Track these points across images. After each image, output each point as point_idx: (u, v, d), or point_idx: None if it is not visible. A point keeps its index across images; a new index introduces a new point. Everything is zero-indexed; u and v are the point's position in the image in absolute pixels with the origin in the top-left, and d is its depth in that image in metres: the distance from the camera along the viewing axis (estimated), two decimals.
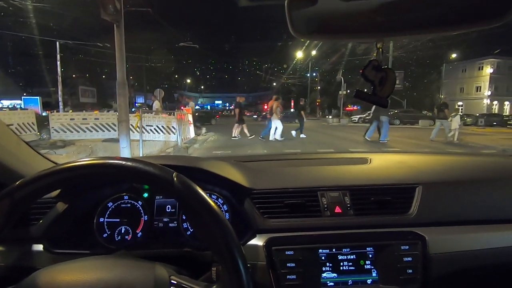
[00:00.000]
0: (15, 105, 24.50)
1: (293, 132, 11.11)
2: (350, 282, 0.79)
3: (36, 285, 0.51)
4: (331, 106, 36.42)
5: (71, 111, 15.52)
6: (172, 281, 0.53)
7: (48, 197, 0.81)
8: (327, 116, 32.91)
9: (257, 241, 0.82)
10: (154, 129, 9.59)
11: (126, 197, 0.89)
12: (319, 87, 41.73)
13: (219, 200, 0.91)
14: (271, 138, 10.02)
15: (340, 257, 0.81)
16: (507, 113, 32.86)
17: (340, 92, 27.73)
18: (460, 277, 0.83)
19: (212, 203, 0.53)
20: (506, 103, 37.75)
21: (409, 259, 0.79)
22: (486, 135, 13.77)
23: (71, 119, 9.99)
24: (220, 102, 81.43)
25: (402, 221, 0.86)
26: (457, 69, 41.46)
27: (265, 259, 0.78)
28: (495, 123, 23.71)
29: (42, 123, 9.93)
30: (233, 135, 10.65)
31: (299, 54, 33.20)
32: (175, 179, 0.52)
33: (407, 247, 0.81)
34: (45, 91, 28.89)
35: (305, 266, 0.78)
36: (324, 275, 0.79)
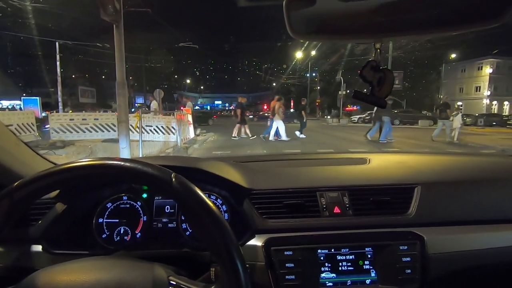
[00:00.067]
0: (14, 106, 24.51)
1: (297, 133, 11.12)
2: (349, 282, 0.79)
3: (35, 285, 0.51)
4: (330, 106, 36.47)
5: (70, 111, 15.52)
6: (170, 281, 0.54)
7: (47, 198, 0.81)
8: (325, 116, 32.96)
9: (256, 241, 0.82)
10: (154, 129, 9.59)
11: (125, 198, 0.90)
12: (318, 87, 41.78)
13: (218, 200, 0.91)
14: (271, 138, 10.03)
15: (339, 257, 0.81)
16: (507, 113, 32.88)
17: (339, 92, 27.74)
18: (459, 277, 0.83)
19: (211, 204, 0.53)
20: (506, 103, 37.80)
21: (408, 259, 0.79)
22: (485, 135, 13.78)
23: (70, 119, 9.98)
24: (220, 102, 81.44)
25: (401, 221, 0.87)
26: (457, 69, 41.55)
27: (264, 259, 0.79)
28: (494, 123, 23.74)
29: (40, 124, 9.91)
30: (233, 135, 10.66)
31: (299, 55, 33.26)
32: (173, 179, 0.52)
33: (405, 247, 0.81)
34: (44, 92, 28.91)
35: (304, 266, 0.78)
36: (323, 275, 0.79)
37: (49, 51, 23.79)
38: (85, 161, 0.52)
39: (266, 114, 28.21)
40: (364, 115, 27.37)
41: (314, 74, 42.31)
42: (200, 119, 17.18)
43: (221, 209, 0.90)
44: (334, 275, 0.79)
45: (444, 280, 0.81)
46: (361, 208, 0.88)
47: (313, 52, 33.31)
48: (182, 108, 11.22)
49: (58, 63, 20.84)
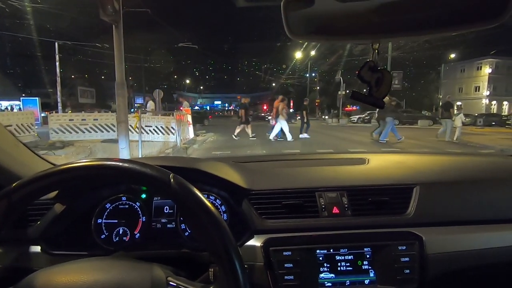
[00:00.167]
0: (13, 106, 24.49)
1: (303, 135, 11.13)
2: (347, 282, 0.79)
3: (34, 286, 0.51)
4: (330, 106, 36.51)
5: (70, 111, 15.50)
6: (169, 282, 0.54)
7: (45, 198, 0.81)
8: (323, 117, 32.97)
9: (255, 241, 0.82)
10: (153, 129, 9.59)
11: (124, 198, 0.89)
12: (318, 88, 41.80)
13: (217, 201, 0.91)
14: (270, 137, 10.03)
15: (337, 258, 0.81)
16: (506, 113, 32.90)
17: (339, 92, 27.75)
18: (457, 277, 0.83)
19: (209, 204, 0.53)
20: (505, 103, 37.86)
21: (407, 259, 0.80)
22: (484, 135, 13.80)
23: (70, 119, 9.98)
24: (219, 102, 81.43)
25: (399, 222, 0.87)
26: (456, 69, 41.62)
27: (263, 259, 0.79)
28: (493, 123, 23.76)
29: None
30: (235, 133, 10.69)
31: (298, 55, 33.31)
32: (172, 180, 0.52)
33: (404, 247, 0.81)
34: (44, 92, 28.85)
35: (302, 266, 0.78)
36: (321, 275, 0.79)
37: (49, 51, 23.80)
38: (83, 162, 0.52)
39: (263, 114, 28.24)
40: (363, 115, 27.40)
41: (313, 74, 42.35)
42: (196, 119, 17.11)
43: (220, 209, 0.90)
44: (333, 275, 0.80)
45: (443, 280, 0.81)
46: (360, 208, 0.88)
47: (313, 53, 33.39)
48: (181, 108, 11.22)
49: (57, 63, 20.80)
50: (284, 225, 0.85)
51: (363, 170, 1.08)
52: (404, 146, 9.24)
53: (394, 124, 9.71)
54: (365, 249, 0.82)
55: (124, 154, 5.55)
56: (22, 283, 0.52)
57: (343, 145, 10.05)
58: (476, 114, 27.39)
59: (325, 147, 9.08)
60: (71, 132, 9.72)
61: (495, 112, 34.63)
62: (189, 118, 10.47)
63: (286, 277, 0.77)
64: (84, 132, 9.90)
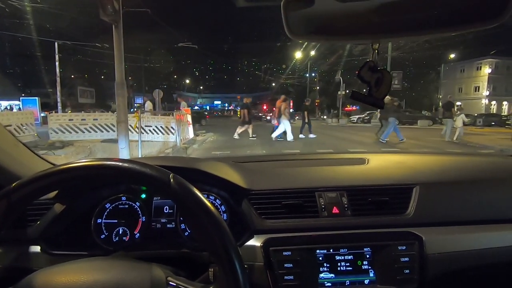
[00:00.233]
0: (13, 106, 24.48)
1: (311, 135, 11.13)
2: (347, 282, 0.79)
3: (33, 286, 0.51)
4: (330, 106, 36.55)
5: (69, 111, 15.49)
6: (169, 282, 0.54)
7: (45, 198, 0.81)
8: (322, 117, 32.95)
9: (255, 241, 0.82)
10: (153, 129, 9.59)
11: (123, 198, 0.89)
12: (318, 88, 41.82)
13: (217, 201, 0.91)
14: (273, 136, 10.03)
15: (337, 258, 0.81)
16: (505, 113, 32.93)
17: (339, 93, 27.77)
18: (457, 277, 0.83)
19: (209, 204, 0.53)
20: (505, 103, 37.88)
21: (406, 259, 0.80)
22: (484, 135, 13.81)
23: (69, 119, 9.97)
24: (219, 102, 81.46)
25: (399, 222, 0.87)
26: (456, 70, 41.66)
27: (263, 259, 0.79)
28: (493, 123, 23.75)
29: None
30: (238, 132, 10.67)
31: (298, 55, 33.31)
32: (171, 180, 0.52)
33: (404, 247, 0.81)
34: (43, 92, 28.85)
35: (302, 266, 0.78)
36: (321, 275, 0.79)
37: (48, 51, 23.81)
38: (83, 162, 0.52)
39: (260, 114, 28.21)
40: (363, 115, 27.40)
41: (313, 74, 42.40)
42: (193, 119, 17.03)
43: (220, 209, 0.90)
44: (332, 275, 0.80)
45: (443, 280, 0.81)
46: (359, 208, 0.88)
47: (312, 53, 33.42)
48: (180, 108, 11.21)
49: (57, 63, 20.80)
50: (284, 225, 0.85)
51: (363, 170, 1.08)
52: (405, 146, 9.24)
53: (396, 125, 9.72)
54: (365, 249, 0.82)
55: (124, 154, 5.55)
56: (22, 283, 0.52)
57: (342, 145, 10.05)
58: (476, 114, 27.40)
59: (325, 147, 9.08)
60: (70, 132, 9.72)
61: (494, 112, 34.65)
62: (189, 118, 10.47)
63: (286, 277, 0.77)
64: (83, 132, 9.90)
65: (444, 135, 10.67)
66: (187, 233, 0.88)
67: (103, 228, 0.86)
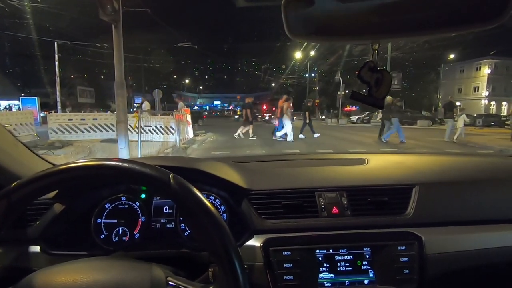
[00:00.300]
0: (12, 106, 24.46)
1: (316, 135, 11.11)
2: (347, 282, 0.79)
3: (33, 286, 0.50)
4: (329, 106, 36.56)
5: (69, 111, 15.47)
6: (169, 282, 0.54)
7: (45, 198, 0.80)
8: (321, 117, 32.93)
9: (255, 241, 0.82)
10: (153, 129, 9.59)
11: (123, 198, 0.89)
12: (317, 88, 41.84)
13: (217, 201, 0.91)
14: (277, 135, 10.01)
15: (337, 258, 0.81)
16: (505, 113, 32.95)
17: (338, 93, 27.79)
18: (457, 277, 0.83)
19: (209, 204, 0.53)
20: (504, 103, 37.93)
21: (406, 259, 0.80)
22: (484, 135, 13.82)
23: (69, 119, 9.97)
24: (219, 102, 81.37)
25: (399, 222, 0.87)
26: (455, 70, 41.71)
27: (263, 259, 0.79)
28: (492, 123, 23.77)
29: None
30: (241, 131, 10.65)
31: (298, 55, 33.31)
32: (171, 180, 0.52)
33: (403, 247, 0.81)
34: (43, 92, 28.86)
35: (302, 266, 0.78)
36: (321, 275, 0.79)
37: (48, 51, 23.81)
38: (83, 162, 0.52)
39: (257, 114, 28.14)
40: (363, 115, 27.41)
41: (313, 75, 42.43)
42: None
43: (220, 209, 0.90)
44: (332, 275, 0.80)
45: (442, 280, 0.81)
46: (359, 208, 0.88)
47: (312, 53, 33.43)
48: (178, 108, 11.20)
49: (56, 63, 20.75)
50: (283, 225, 0.85)
51: (362, 170, 1.08)
52: (405, 146, 9.25)
53: (399, 125, 9.72)
54: (364, 249, 0.82)
55: (124, 154, 5.54)
56: (22, 283, 0.52)
57: (342, 145, 10.05)
58: (475, 115, 27.41)
59: (324, 147, 9.08)
60: (70, 132, 9.72)
61: (494, 112, 34.68)
62: (189, 118, 10.47)
63: (285, 277, 0.77)
64: (83, 132, 9.90)
65: (453, 138, 10.65)
66: (186, 233, 0.88)
67: (103, 228, 0.86)
